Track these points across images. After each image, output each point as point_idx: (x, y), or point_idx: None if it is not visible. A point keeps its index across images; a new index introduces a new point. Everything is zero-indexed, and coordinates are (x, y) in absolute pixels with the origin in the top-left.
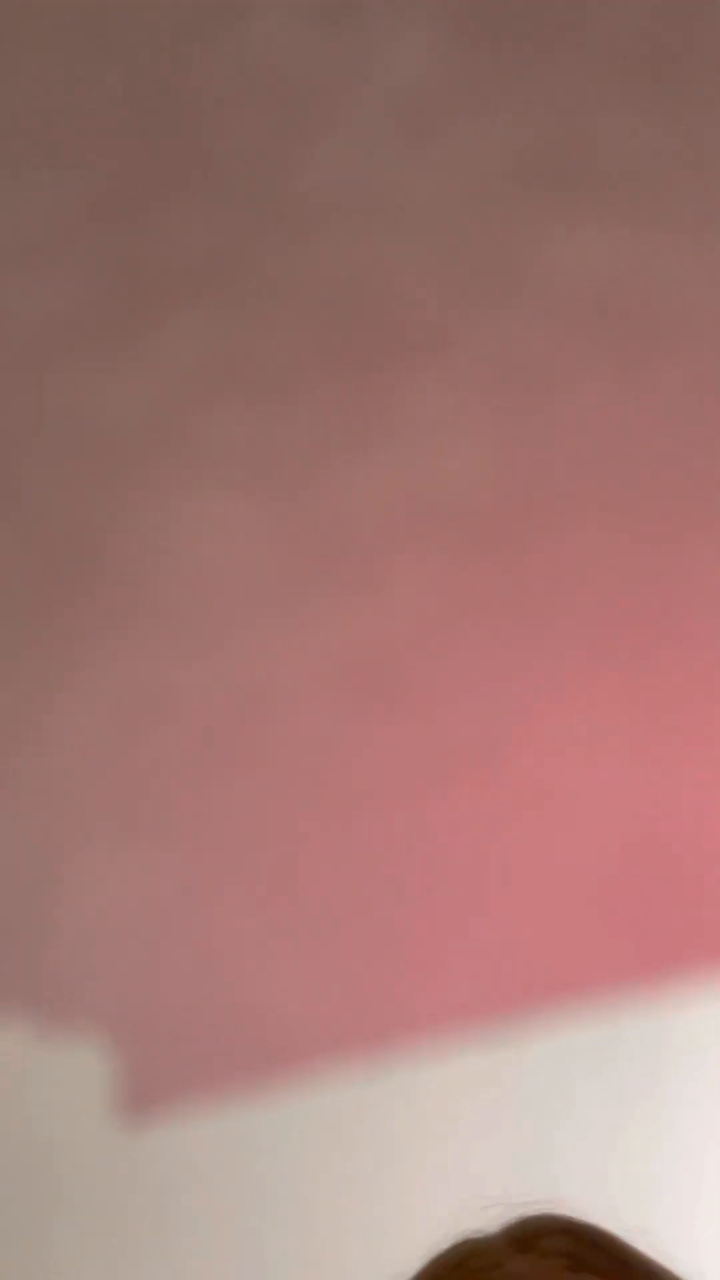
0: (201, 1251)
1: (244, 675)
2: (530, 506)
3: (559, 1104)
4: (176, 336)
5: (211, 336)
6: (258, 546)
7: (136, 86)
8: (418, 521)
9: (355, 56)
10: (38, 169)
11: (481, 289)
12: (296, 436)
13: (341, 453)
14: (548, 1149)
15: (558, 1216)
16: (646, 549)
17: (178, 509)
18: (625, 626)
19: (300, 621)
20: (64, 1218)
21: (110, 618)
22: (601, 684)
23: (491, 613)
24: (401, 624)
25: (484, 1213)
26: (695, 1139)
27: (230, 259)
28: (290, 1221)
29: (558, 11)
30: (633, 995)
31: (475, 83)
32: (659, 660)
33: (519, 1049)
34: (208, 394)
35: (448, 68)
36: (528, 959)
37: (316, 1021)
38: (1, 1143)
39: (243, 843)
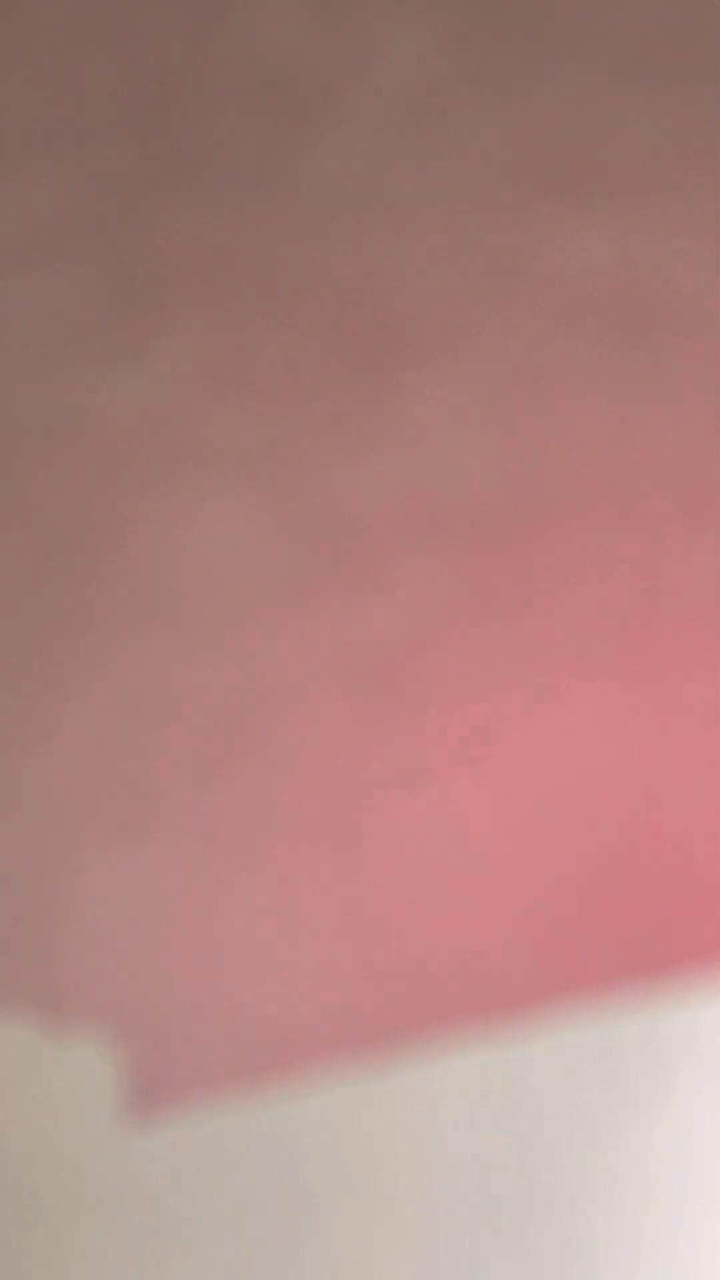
0: (206, 1250)
1: (247, 674)
2: (534, 505)
3: (561, 1103)
4: (178, 335)
5: (213, 335)
6: (260, 545)
7: (136, 86)
8: (421, 520)
9: (356, 55)
10: (38, 168)
11: (485, 288)
12: (299, 435)
13: (345, 452)
14: (549, 1148)
15: None
16: (649, 548)
17: (179, 508)
18: (628, 625)
19: (303, 620)
20: (68, 1216)
21: (112, 617)
22: (604, 683)
23: (495, 611)
24: (405, 622)
25: None
26: (698, 1138)
27: (232, 258)
28: (295, 1220)
29: (561, 10)
30: (634, 993)
31: (478, 81)
32: (660, 659)
33: (521, 1047)
34: (210, 393)
35: (450, 66)
36: (530, 957)
37: (321, 1020)
38: (5, 1141)
39: (247, 841)
